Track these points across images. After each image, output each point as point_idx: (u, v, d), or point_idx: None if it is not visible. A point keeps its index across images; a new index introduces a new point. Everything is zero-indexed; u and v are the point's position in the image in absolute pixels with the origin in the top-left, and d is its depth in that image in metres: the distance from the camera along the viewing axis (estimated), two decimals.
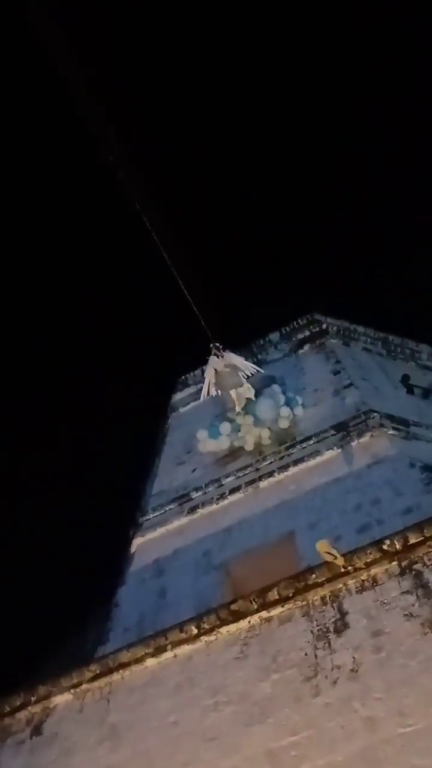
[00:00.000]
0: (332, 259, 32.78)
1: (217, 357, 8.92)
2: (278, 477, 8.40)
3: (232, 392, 9.33)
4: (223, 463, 9.44)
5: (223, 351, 8.98)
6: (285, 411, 9.39)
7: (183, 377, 12.93)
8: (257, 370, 9.66)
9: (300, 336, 12.30)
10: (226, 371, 9.05)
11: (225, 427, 9.42)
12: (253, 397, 9.49)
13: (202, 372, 9.65)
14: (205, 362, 9.34)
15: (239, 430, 9.39)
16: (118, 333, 30.93)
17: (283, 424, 9.31)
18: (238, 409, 9.52)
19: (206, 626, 5.98)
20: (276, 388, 9.86)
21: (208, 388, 9.23)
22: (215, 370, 9.03)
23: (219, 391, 9.31)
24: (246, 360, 9.61)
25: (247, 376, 9.41)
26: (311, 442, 8.59)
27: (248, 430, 9.32)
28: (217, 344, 8.85)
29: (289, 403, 9.54)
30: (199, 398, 11.59)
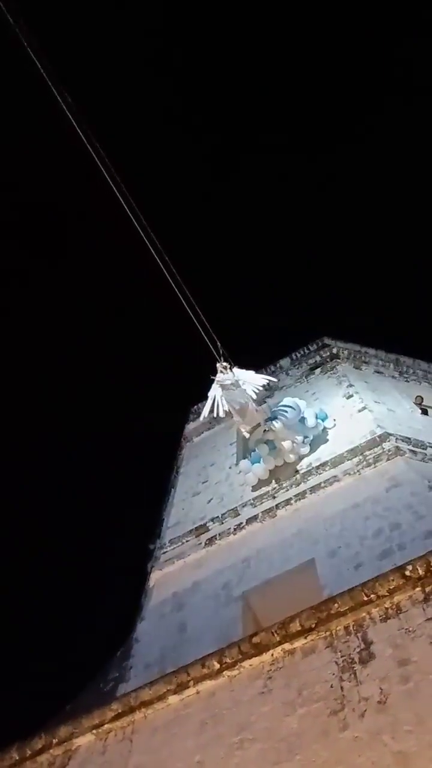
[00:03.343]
0: (337, 283, 32.96)
1: (224, 374, 8.76)
2: (296, 505, 8.31)
3: (242, 408, 9.11)
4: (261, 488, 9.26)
5: (231, 369, 8.85)
6: (309, 412, 9.36)
7: (195, 407, 12.90)
8: (269, 380, 9.53)
9: (311, 361, 12.29)
10: (233, 389, 8.87)
11: (263, 449, 9.29)
12: (268, 415, 9.38)
13: (230, 415, 9.58)
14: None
15: (275, 447, 9.23)
16: (128, 360, 31.01)
17: (311, 423, 9.23)
18: (248, 427, 9.40)
19: (228, 660, 5.86)
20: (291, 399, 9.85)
21: (212, 407, 9.05)
22: (222, 388, 8.86)
23: (227, 409, 9.10)
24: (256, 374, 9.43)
25: (258, 389, 9.27)
26: (327, 468, 8.50)
27: (282, 438, 9.16)
28: (224, 363, 8.75)
29: (317, 415, 9.49)
30: (213, 427, 11.56)
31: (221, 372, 8.69)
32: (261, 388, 9.27)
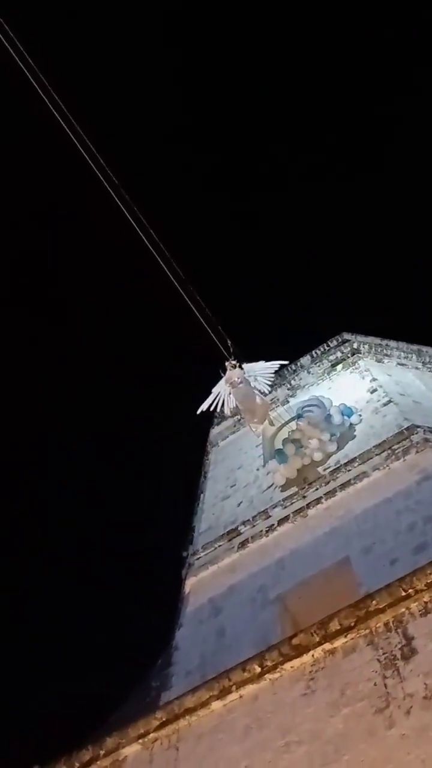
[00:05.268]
0: (352, 276, 32.79)
1: (232, 371, 8.61)
2: (326, 503, 8.26)
3: (250, 404, 8.93)
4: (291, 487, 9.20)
5: (240, 366, 8.71)
6: (334, 409, 9.32)
7: (218, 411, 12.86)
8: (280, 365, 9.37)
9: (331, 357, 12.21)
10: (242, 387, 8.70)
11: (290, 448, 9.24)
12: (276, 408, 9.25)
13: (239, 412, 9.50)
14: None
15: (302, 445, 9.15)
16: (135, 365, 31.05)
17: (337, 420, 9.19)
18: (259, 425, 9.28)
19: (269, 663, 5.84)
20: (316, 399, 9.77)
21: (213, 403, 8.89)
22: (231, 386, 8.70)
23: (233, 407, 8.94)
24: (267, 366, 9.25)
25: (271, 380, 9.14)
26: (356, 464, 8.45)
27: (309, 436, 9.10)
28: (233, 362, 8.64)
29: (343, 412, 9.44)
30: (238, 430, 11.53)
31: (230, 370, 8.58)
32: (273, 377, 9.12)
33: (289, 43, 27.20)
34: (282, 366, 9.40)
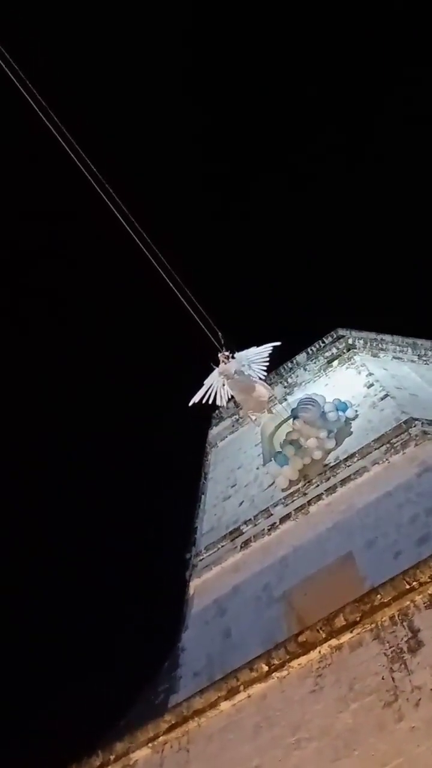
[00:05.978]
0: (346, 272, 32.79)
1: (226, 363, 8.50)
2: (327, 499, 8.26)
3: (246, 392, 8.79)
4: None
5: (233, 357, 8.59)
6: (329, 405, 9.32)
7: (217, 411, 12.88)
8: (272, 347, 9.24)
9: (327, 354, 12.22)
10: (236, 377, 8.58)
11: (289, 450, 9.22)
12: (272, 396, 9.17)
13: (236, 404, 9.43)
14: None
15: (300, 446, 9.15)
16: (144, 365, 30.94)
17: (332, 416, 9.17)
18: (256, 414, 9.22)
19: (276, 662, 5.84)
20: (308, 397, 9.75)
21: (205, 395, 8.76)
22: (225, 377, 8.57)
23: (229, 397, 8.82)
24: (260, 353, 9.12)
25: (266, 365, 9.06)
26: (355, 459, 8.45)
27: (307, 435, 9.09)
28: (226, 353, 8.54)
29: (338, 407, 9.43)
30: (237, 430, 11.52)
31: (223, 362, 8.48)
32: (267, 361, 9.01)
33: (288, 41, 27.23)
34: (274, 347, 9.22)
